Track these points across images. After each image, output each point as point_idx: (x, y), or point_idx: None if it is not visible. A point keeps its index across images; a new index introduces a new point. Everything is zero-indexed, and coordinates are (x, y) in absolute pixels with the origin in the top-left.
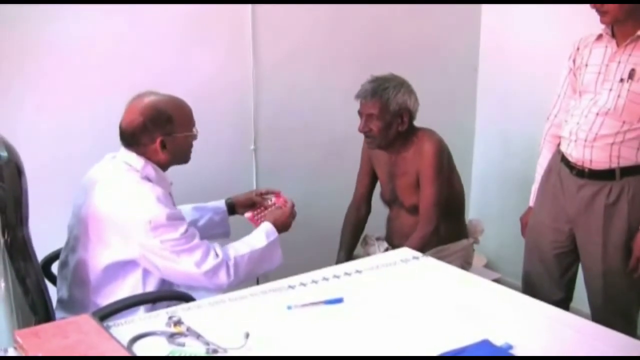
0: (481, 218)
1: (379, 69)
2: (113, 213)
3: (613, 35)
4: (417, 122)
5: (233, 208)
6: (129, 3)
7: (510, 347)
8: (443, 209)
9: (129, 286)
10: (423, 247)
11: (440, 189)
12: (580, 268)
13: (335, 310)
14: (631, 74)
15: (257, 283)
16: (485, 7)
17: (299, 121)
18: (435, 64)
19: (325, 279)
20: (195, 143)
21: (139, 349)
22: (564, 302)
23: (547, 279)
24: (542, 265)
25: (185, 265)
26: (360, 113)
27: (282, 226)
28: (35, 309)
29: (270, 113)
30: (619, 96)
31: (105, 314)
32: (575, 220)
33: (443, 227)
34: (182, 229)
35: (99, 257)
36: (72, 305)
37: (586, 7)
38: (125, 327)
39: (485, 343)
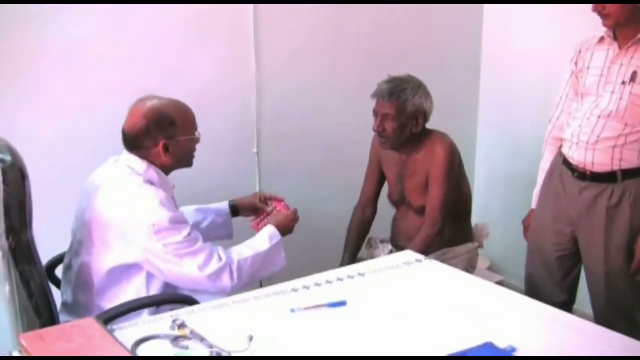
0: (484, 221)
1: (382, 71)
2: (116, 217)
3: (615, 38)
4: None
5: (236, 210)
6: (131, 3)
7: (513, 349)
8: (449, 212)
9: (133, 289)
10: (426, 249)
11: (447, 191)
12: (582, 270)
13: (338, 314)
14: (633, 77)
15: (261, 286)
16: (488, 10)
17: (302, 124)
18: (437, 65)
19: (328, 282)
20: (198, 146)
21: (143, 352)
22: (566, 305)
23: (550, 281)
24: (544, 267)
25: (189, 268)
26: (375, 112)
27: (284, 230)
28: (40, 313)
29: (273, 116)
30: (621, 99)
31: (110, 318)
32: (578, 223)
33: (449, 229)
34: (185, 232)
35: (103, 260)
36: (76, 308)
37: (588, 10)
38: (129, 331)
39: (489, 346)
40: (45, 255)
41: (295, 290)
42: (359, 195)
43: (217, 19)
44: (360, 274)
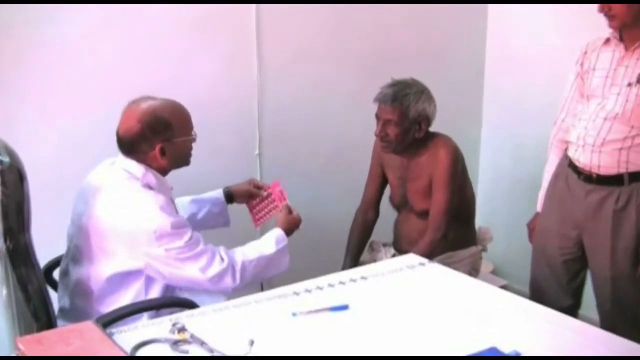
0: (488, 224)
1: (385, 73)
2: (117, 224)
3: (621, 39)
4: None
5: (231, 197)
6: (133, 3)
7: (517, 354)
8: (452, 215)
9: (132, 294)
10: (430, 253)
11: (451, 196)
12: (588, 274)
13: (340, 317)
14: (639, 79)
15: (262, 289)
16: (492, 10)
17: (304, 126)
18: (441, 67)
19: (330, 285)
20: (198, 148)
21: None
22: (572, 309)
23: (555, 285)
24: (549, 271)
25: (191, 271)
26: (377, 117)
27: (290, 233)
28: (37, 316)
29: (274, 117)
30: (627, 101)
31: (109, 321)
32: (583, 226)
33: (452, 233)
34: (187, 236)
35: (103, 268)
36: (74, 314)
37: (594, 11)
38: (128, 334)
39: (493, 350)
40: (43, 258)
41: (296, 293)
42: (361, 198)
43: (219, 20)
44: (362, 277)
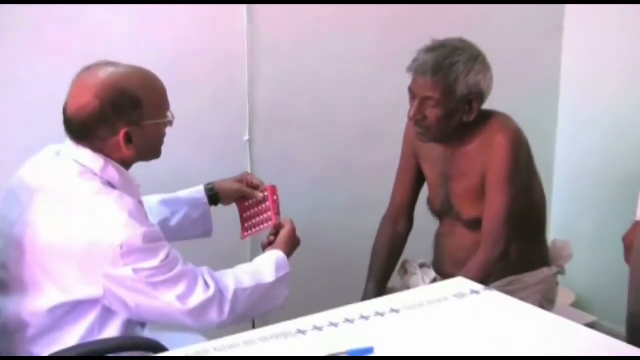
0: (566, 238)
1: (421, 28)
2: (66, 237)
3: None
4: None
5: (215, 197)
6: None
7: None
8: (516, 226)
9: (81, 331)
10: (486, 277)
11: (513, 198)
12: None
13: None
14: None
15: (253, 326)
16: None
17: (309, 104)
18: (505, 24)
19: (348, 320)
20: (174, 133)
21: None
22: None
23: None
24: None
25: (165, 300)
26: (412, 92)
27: (290, 256)
28: None
29: (270, 92)
30: None
31: None
32: None
33: (515, 250)
34: (163, 254)
35: (42, 297)
36: None
37: None
38: None
39: None
40: None
41: (302, 332)
42: (388, 203)
43: None
44: (392, 310)
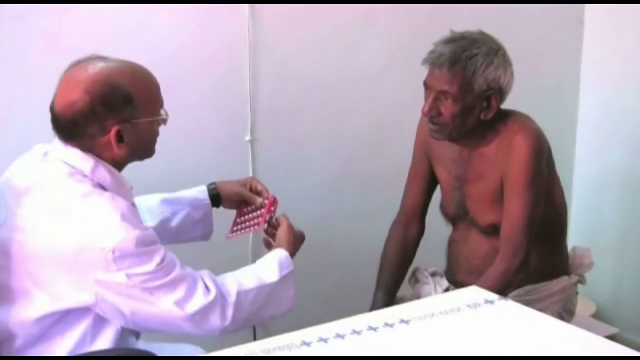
0: (587, 245)
1: (439, 20)
2: (55, 241)
3: None
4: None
5: (217, 198)
6: None
7: None
8: (536, 234)
9: (72, 342)
10: (505, 289)
11: (534, 204)
12: None
13: None
14: None
15: (254, 337)
16: None
17: (313, 103)
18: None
19: (355, 332)
20: (174, 133)
21: None
22: None
23: None
24: None
25: (163, 306)
26: (427, 86)
27: (294, 253)
28: None
29: (272, 91)
30: None
31: None
32: None
33: (534, 258)
34: (158, 257)
35: (31, 306)
36: None
37: None
38: None
39: None
40: None
41: (306, 343)
42: (398, 207)
43: None
44: (402, 321)
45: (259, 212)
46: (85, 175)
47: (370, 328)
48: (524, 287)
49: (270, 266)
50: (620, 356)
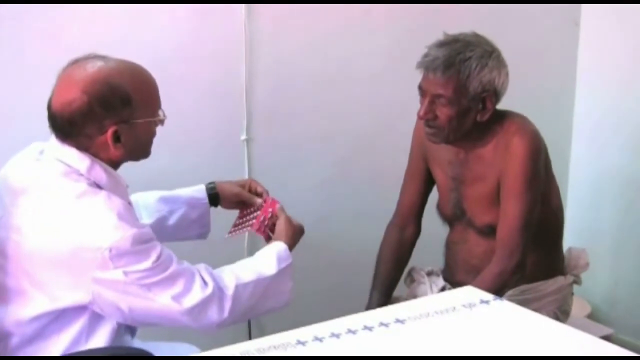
0: (582, 245)
1: (434, 26)
2: (52, 241)
3: None
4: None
5: (216, 198)
6: None
7: None
8: (532, 235)
9: (67, 340)
10: (500, 289)
11: (531, 205)
12: None
13: None
14: None
15: (249, 336)
16: None
17: (309, 103)
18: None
19: (351, 331)
20: (166, 134)
21: None
22: None
23: None
24: None
25: (161, 301)
26: (422, 90)
27: (292, 248)
28: None
29: (268, 91)
30: None
31: None
32: None
33: (530, 258)
34: (155, 254)
35: (27, 305)
36: None
37: None
38: None
39: None
40: None
41: (302, 342)
42: (394, 208)
43: None
44: (397, 320)
45: (257, 213)
46: (81, 174)
47: (366, 327)
48: (520, 286)
49: (268, 259)
50: (615, 356)
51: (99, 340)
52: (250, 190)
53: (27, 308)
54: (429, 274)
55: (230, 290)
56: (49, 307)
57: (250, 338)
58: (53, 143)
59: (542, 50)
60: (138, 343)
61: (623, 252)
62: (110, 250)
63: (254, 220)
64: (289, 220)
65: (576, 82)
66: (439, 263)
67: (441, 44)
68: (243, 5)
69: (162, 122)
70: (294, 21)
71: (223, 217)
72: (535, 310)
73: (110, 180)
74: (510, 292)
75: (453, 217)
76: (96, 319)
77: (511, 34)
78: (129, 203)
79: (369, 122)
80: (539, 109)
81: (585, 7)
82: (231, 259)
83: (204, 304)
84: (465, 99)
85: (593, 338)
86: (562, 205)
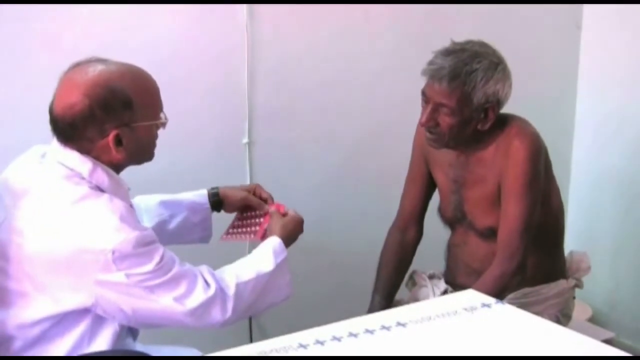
0: (584, 249)
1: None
2: (54, 244)
3: None
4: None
5: (219, 203)
6: None
7: None
8: (533, 237)
9: (70, 343)
10: (501, 292)
11: (531, 208)
12: None
13: None
14: None
15: (251, 339)
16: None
17: (311, 106)
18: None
19: (352, 334)
20: (167, 137)
21: None
22: None
23: None
24: None
25: (164, 302)
26: (425, 96)
27: (290, 241)
28: None
29: (270, 94)
30: None
31: None
32: None
33: (531, 261)
34: (157, 257)
35: (30, 308)
36: None
37: None
38: None
39: None
40: None
41: (303, 346)
42: (396, 210)
43: None
44: (399, 324)
45: (258, 220)
46: (83, 178)
47: (367, 331)
48: (521, 290)
49: (265, 256)
50: (615, 357)
51: (101, 343)
52: (255, 195)
53: (29, 311)
54: (431, 277)
55: (231, 290)
56: (51, 310)
57: (251, 341)
58: (55, 146)
59: (544, 52)
60: (140, 346)
61: (624, 256)
62: (113, 253)
63: (257, 227)
64: (278, 215)
65: (577, 84)
66: (440, 266)
67: (448, 53)
68: (245, 7)
69: (163, 125)
70: (295, 22)
71: (226, 221)
72: (537, 313)
73: (112, 183)
74: (511, 296)
75: (454, 219)
76: (99, 322)
77: (512, 36)
78: (131, 206)
79: (371, 124)
80: (540, 111)
81: (586, 9)
82: (232, 259)
83: (206, 304)
84: (468, 110)
85: (595, 342)
86: (563, 208)
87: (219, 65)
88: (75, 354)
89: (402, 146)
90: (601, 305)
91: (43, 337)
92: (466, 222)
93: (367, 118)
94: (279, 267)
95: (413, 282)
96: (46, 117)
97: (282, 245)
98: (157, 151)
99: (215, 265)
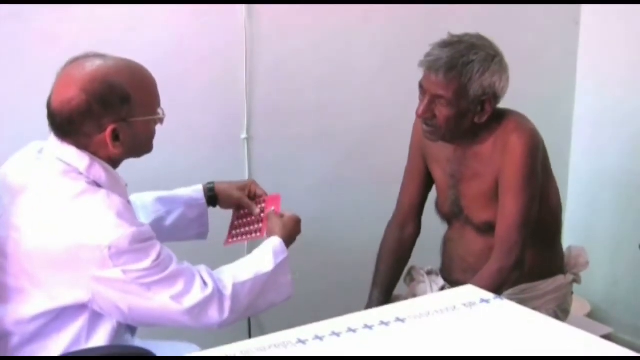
0: (582, 244)
1: (436, 25)
2: (50, 239)
3: None
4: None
5: (214, 199)
6: None
7: None
8: (531, 233)
9: (67, 339)
10: (499, 287)
11: (529, 203)
12: None
13: None
14: None
15: (250, 335)
16: None
17: (309, 102)
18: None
19: (351, 330)
20: (165, 132)
21: None
22: None
23: None
24: None
25: (160, 300)
26: (422, 88)
27: (291, 241)
28: None
29: (268, 89)
30: None
31: None
32: None
33: (529, 257)
34: (154, 253)
35: (27, 304)
36: None
37: None
38: None
39: None
40: None
41: (302, 341)
42: (394, 206)
43: None
44: (398, 319)
45: (258, 215)
46: (80, 173)
47: (366, 326)
48: (520, 285)
49: (265, 255)
50: (615, 356)
51: (99, 339)
52: (250, 193)
53: (27, 307)
54: (429, 273)
55: (228, 291)
56: (49, 306)
57: (250, 337)
58: (52, 142)
59: (542, 50)
60: (138, 342)
61: (622, 251)
62: (110, 249)
63: (259, 225)
64: (277, 216)
65: (576, 82)
66: (438, 262)
67: (445, 44)
68: (244, 5)
69: (161, 120)
70: (294, 21)
71: (223, 217)
72: (535, 309)
73: (109, 178)
74: (510, 291)
75: (451, 214)
76: (96, 318)
77: (511, 34)
78: (128, 202)
79: (369, 120)
80: (539, 109)
81: (585, 7)
82: (231, 259)
83: (204, 304)
84: (464, 101)
85: (593, 337)
86: (560, 203)
87: (217, 61)
88: (73, 350)
89: (401, 143)
90: (599, 301)
91: (41, 333)
92: (463, 217)
93: (366, 114)
94: (279, 267)
95: (411, 278)
96: (44, 113)
97: (283, 245)
98: (156, 147)
99: (215, 265)
